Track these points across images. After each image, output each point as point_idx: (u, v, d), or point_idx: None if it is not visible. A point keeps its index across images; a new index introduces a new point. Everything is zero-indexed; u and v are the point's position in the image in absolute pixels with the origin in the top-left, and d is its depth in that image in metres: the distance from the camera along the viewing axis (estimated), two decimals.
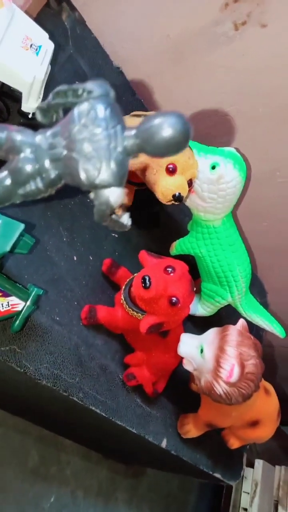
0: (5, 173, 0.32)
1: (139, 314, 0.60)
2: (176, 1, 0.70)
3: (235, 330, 0.61)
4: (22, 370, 0.53)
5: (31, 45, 0.51)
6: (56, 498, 1.18)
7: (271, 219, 1.02)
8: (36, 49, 0.51)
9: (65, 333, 0.60)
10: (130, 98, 0.81)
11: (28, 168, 0.31)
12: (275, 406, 0.77)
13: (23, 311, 0.51)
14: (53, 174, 0.32)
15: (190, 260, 0.71)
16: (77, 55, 0.71)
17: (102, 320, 0.64)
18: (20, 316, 0.51)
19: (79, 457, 1.27)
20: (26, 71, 0.49)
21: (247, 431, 0.78)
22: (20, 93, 0.51)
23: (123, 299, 0.62)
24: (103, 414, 0.63)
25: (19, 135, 0.32)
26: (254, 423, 0.75)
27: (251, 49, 0.71)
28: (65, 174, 0.32)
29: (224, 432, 0.85)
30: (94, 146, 0.30)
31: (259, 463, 1.52)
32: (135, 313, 0.60)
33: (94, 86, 0.32)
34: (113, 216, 0.34)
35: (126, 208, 0.72)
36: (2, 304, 0.49)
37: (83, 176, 0.30)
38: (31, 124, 0.59)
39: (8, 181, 0.32)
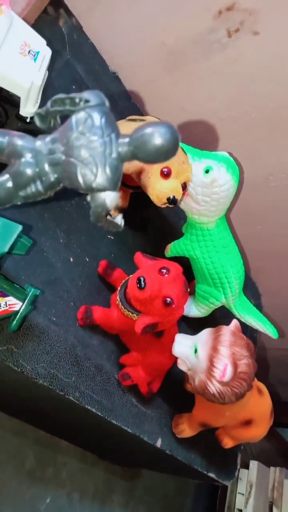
0: (6, 176, 0.34)
1: (134, 315, 0.61)
2: (171, 9, 0.71)
3: (228, 331, 0.62)
4: (19, 370, 0.54)
5: (29, 51, 0.52)
6: (52, 500, 1.18)
7: (265, 222, 1.03)
8: (34, 55, 0.53)
9: (61, 333, 0.61)
10: (126, 103, 0.83)
11: (29, 171, 0.33)
12: (268, 405, 0.78)
13: (21, 311, 0.52)
14: (52, 177, 0.34)
15: (184, 262, 0.72)
16: (74, 61, 0.72)
17: (98, 321, 0.65)
18: (18, 316, 0.52)
19: (76, 458, 1.28)
20: (24, 76, 0.50)
21: (241, 431, 0.79)
22: (18, 98, 0.52)
23: (118, 300, 0.63)
24: (99, 414, 0.64)
25: (20, 141, 0.34)
26: (248, 423, 0.77)
27: (244, 56, 0.73)
28: (64, 178, 0.34)
29: (218, 432, 0.86)
30: (91, 152, 0.32)
31: (254, 464, 1.53)
32: (130, 314, 0.61)
33: (90, 96, 0.34)
34: (108, 217, 0.35)
35: (121, 210, 0.73)
36: (0, 304, 0.50)
37: (80, 180, 0.32)
38: (29, 129, 0.60)
39: (9, 184, 0.33)
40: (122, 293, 0.63)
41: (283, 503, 1.51)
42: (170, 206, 0.60)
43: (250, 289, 1.20)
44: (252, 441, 0.86)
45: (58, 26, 0.71)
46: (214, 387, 0.60)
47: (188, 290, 0.60)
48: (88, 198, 0.34)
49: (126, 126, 0.66)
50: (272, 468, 1.62)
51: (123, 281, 0.65)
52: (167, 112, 0.86)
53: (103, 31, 0.77)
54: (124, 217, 0.75)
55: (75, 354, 0.63)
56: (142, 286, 0.56)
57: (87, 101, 0.34)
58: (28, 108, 0.54)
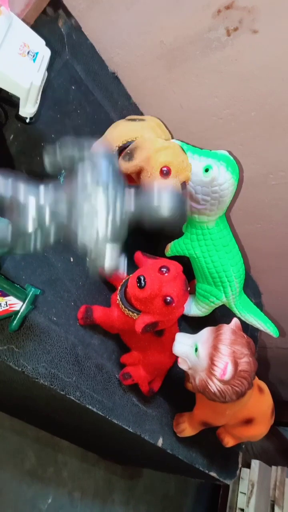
0: (6, 222, 0.34)
1: (135, 314, 0.61)
2: (169, 8, 0.71)
3: (228, 329, 0.62)
4: (20, 369, 0.54)
5: (28, 52, 0.52)
6: (54, 499, 1.18)
7: (265, 220, 1.03)
8: (33, 56, 0.53)
9: (62, 333, 0.61)
10: (126, 102, 0.83)
11: (30, 226, 0.33)
12: (269, 404, 0.78)
13: (21, 310, 0.52)
14: (52, 232, 0.34)
15: (184, 261, 0.72)
16: (73, 61, 0.72)
17: (98, 320, 0.65)
18: (18, 316, 0.52)
19: (76, 458, 1.28)
20: (24, 77, 0.50)
21: (242, 429, 0.79)
22: (18, 99, 0.52)
23: (119, 299, 0.63)
24: (100, 413, 0.64)
25: (24, 193, 0.33)
26: (248, 421, 0.77)
27: (243, 54, 0.73)
28: (66, 231, 0.34)
29: (219, 431, 0.86)
30: (94, 210, 0.32)
31: (255, 463, 1.53)
32: (130, 313, 0.61)
33: (99, 157, 0.34)
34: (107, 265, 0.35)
35: None
36: (0, 304, 0.50)
37: (81, 238, 0.32)
38: (28, 134, 0.60)
39: (8, 230, 0.33)
40: (122, 292, 0.63)
41: (285, 502, 1.52)
42: None
43: (251, 288, 1.20)
44: (253, 440, 0.86)
45: (57, 27, 0.71)
46: (214, 386, 0.60)
47: (188, 289, 0.61)
48: (89, 250, 0.34)
49: (126, 126, 0.67)
50: (273, 467, 1.62)
51: (124, 281, 0.65)
52: (167, 110, 0.86)
53: (102, 31, 0.77)
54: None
55: (76, 354, 0.63)
56: (142, 285, 0.56)
57: (93, 154, 0.33)
58: (28, 109, 0.54)
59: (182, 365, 0.65)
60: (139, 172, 0.60)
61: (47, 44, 0.55)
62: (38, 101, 0.55)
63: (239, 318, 0.69)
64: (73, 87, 0.71)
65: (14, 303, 0.52)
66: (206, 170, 0.65)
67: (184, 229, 0.78)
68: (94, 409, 0.63)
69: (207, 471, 0.87)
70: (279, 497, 1.53)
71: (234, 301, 0.79)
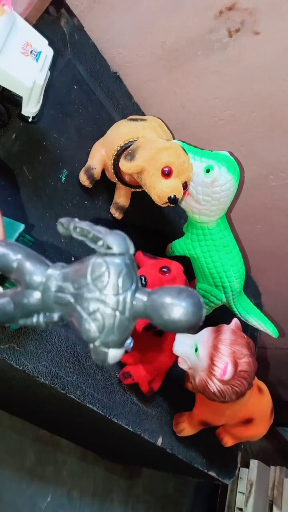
0: (7, 299, 0.32)
1: None
2: (171, 8, 0.72)
3: (228, 329, 0.62)
4: (21, 368, 0.54)
5: (31, 51, 0.52)
6: (53, 498, 1.19)
7: (265, 221, 1.03)
8: (36, 55, 0.53)
9: (62, 332, 0.62)
10: (127, 102, 0.83)
11: (33, 304, 0.31)
12: (268, 404, 0.79)
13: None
14: (56, 316, 0.32)
15: (185, 261, 0.73)
16: (76, 61, 0.72)
17: None
18: None
19: (76, 457, 1.28)
20: (26, 76, 0.50)
21: (241, 429, 0.80)
22: (21, 98, 0.52)
23: None
24: (100, 412, 0.65)
25: (31, 267, 0.32)
26: (248, 421, 0.77)
27: (245, 55, 0.73)
28: (68, 318, 0.32)
29: (218, 430, 0.87)
30: (101, 308, 0.29)
31: (254, 463, 1.53)
32: None
33: (114, 243, 0.31)
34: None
35: (123, 209, 0.74)
36: None
37: (84, 334, 0.30)
38: (30, 127, 0.60)
39: (10, 307, 0.32)
40: None
41: (283, 502, 1.52)
42: (171, 205, 0.60)
43: (251, 288, 1.20)
44: (252, 440, 0.86)
45: (60, 26, 0.71)
46: (214, 386, 0.60)
47: None
48: (90, 346, 0.31)
49: (127, 126, 0.67)
50: (272, 467, 1.62)
51: None
52: (168, 111, 0.87)
53: (104, 31, 0.78)
54: (125, 217, 0.75)
55: (77, 353, 0.63)
56: (143, 285, 0.56)
57: (109, 247, 0.30)
58: (30, 108, 0.54)
59: (182, 365, 0.65)
60: (141, 172, 0.60)
61: (50, 44, 0.55)
62: (41, 101, 0.55)
63: (239, 319, 0.69)
64: (75, 87, 0.71)
65: None
66: (207, 171, 0.65)
67: (185, 229, 0.78)
68: (94, 408, 0.64)
69: (206, 471, 0.88)
70: (278, 497, 1.54)
71: (234, 301, 0.80)
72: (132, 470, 1.49)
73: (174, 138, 0.73)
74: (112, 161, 0.65)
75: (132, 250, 0.32)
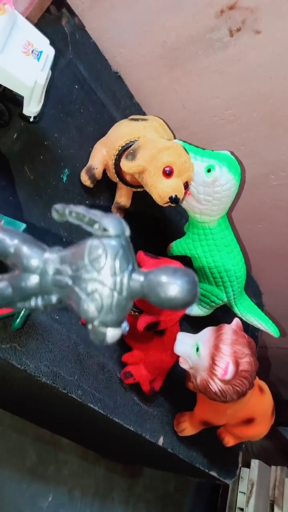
0: (5, 283, 0.32)
1: (136, 313, 0.61)
2: (172, 7, 0.71)
3: (230, 329, 0.62)
4: (22, 368, 0.55)
5: (32, 51, 0.52)
6: (54, 497, 1.19)
7: (266, 221, 1.03)
8: (37, 55, 0.53)
9: (64, 331, 0.62)
10: (128, 102, 0.83)
11: (31, 287, 0.31)
12: (270, 404, 0.79)
13: (24, 309, 0.53)
14: (54, 298, 0.32)
15: (186, 261, 0.73)
16: (77, 60, 0.72)
17: None
18: (21, 314, 0.53)
19: (77, 456, 1.28)
20: (28, 76, 0.50)
21: (242, 429, 0.80)
22: (22, 97, 0.52)
23: None
24: (101, 412, 0.65)
25: (28, 251, 0.32)
26: (249, 421, 0.77)
27: (246, 54, 0.73)
28: (66, 301, 0.32)
29: (219, 430, 0.87)
30: (99, 288, 0.30)
31: (255, 463, 1.53)
32: (132, 312, 0.62)
33: (109, 225, 0.31)
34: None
35: (124, 209, 0.74)
36: None
37: (83, 313, 0.30)
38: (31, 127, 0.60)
39: (8, 292, 0.32)
40: None
41: (284, 502, 1.52)
42: (172, 205, 0.60)
43: (252, 288, 1.20)
44: (253, 440, 0.86)
45: (61, 26, 0.71)
46: (216, 386, 0.60)
47: None
48: (89, 327, 0.31)
49: (128, 126, 0.67)
50: (273, 467, 1.62)
51: None
52: (169, 110, 0.87)
53: (104, 30, 0.78)
54: (126, 217, 0.75)
55: (78, 353, 0.63)
56: None
57: (105, 229, 0.31)
58: (32, 108, 0.54)
59: (184, 364, 0.65)
60: (142, 172, 0.60)
61: (51, 43, 0.55)
62: (42, 100, 0.55)
63: (240, 318, 0.69)
64: (76, 86, 0.71)
65: None
66: (209, 171, 0.65)
67: (186, 229, 0.78)
68: (96, 408, 0.64)
69: (207, 470, 0.88)
70: (279, 497, 1.54)
71: (235, 301, 0.80)
72: (133, 470, 1.49)
73: (175, 138, 0.73)
74: (113, 161, 0.65)
75: (127, 232, 0.32)
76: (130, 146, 0.63)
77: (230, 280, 0.76)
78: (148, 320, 0.58)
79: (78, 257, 0.31)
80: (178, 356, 0.66)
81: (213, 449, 0.89)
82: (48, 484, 1.18)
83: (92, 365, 0.65)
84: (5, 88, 0.51)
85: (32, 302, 0.32)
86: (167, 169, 0.58)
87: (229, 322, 0.65)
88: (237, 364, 0.59)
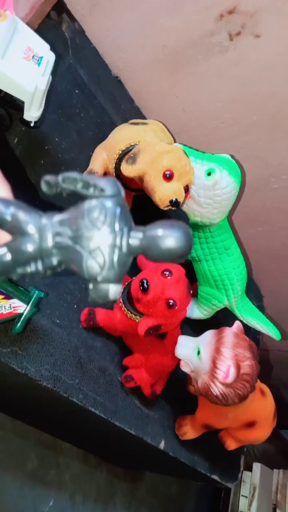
0: (5, 249, 0.32)
1: (137, 317, 0.61)
2: (172, 12, 0.72)
3: (231, 332, 0.62)
4: (23, 372, 0.55)
5: (33, 56, 0.53)
6: (55, 502, 1.18)
7: (267, 224, 1.03)
8: (38, 60, 0.53)
9: (65, 335, 0.62)
10: (129, 106, 0.83)
11: (31, 251, 0.32)
12: (271, 407, 0.78)
13: (25, 313, 0.53)
14: (55, 260, 0.32)
15: (187, 264, 0.73)
16: (77, 65, 0.73)
17: (101, 323, 0.65)
18: (22, 318, 0.53)
19: (78, 461, 1.28)
20: (28, 81, 0.51)
21: (244, 432, 0.79)
22: (22, 102, 0.53)
23: (121, 302, 0.63)
24: (102, 416, 0.64)
25: (25, 216, 0.32)
26: (251, 424, 0.77)
27: (246, 58, 0.73)
28: (67, 263, 0.32)
29: (221, 434, 0.86)
30: (100, 245, 0.31)
31: (257, 466, 1.53)
32: (133, 316, 0.62)
33: (106, 185, 0.32)
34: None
35: None
36: (4, 307, 0.51)
37: (85, 271, 0.31)
38: (33, 132, 0.60)
39: (7, 258, 0.32)
40: (125, 295, 0.63)
41: (287, 506, 1.51)
42: (173, 208, 0.60)
43: (253, 291, 1.20)
44: (255, 443, 0.86)
45: (61, 31, 0.71)
46: (217, 389, 0.60)
47: (191, 292, 0.61)
48: (90, 286, 0.32)
49: (129, 130, 0.67)
50: (275, 471, 1.61)
51: (126, 283, 0.65)
52: (169, 114, 0.87)
53: (104, 35, 0.78)
54: None
55: (79, 356, 0.63)
56: (145, 288, 0.56)
57: (102, 190, 0.32)
58: (32, 112, 0.55)
59: (185, 368, 0.65)
60: (142, 176, 0.60)
61: (51, 48, 0.55)
62: (43, 105, 0.55)
63: (241, 321, 0.69)
64: (77, 91, 0.72)
65: (18, 306, 0.52)
66: (209, 174, 0.65)
67: None
68: (97, 412, 0.63)
69: (209, 474, 0.87)
70: (281, 501, 1.53)
71: (236, 304, 0.80)
72: (134, 474, 1.48)
73: (175, 142, 0.73)
74: (114, 165, 0.65)
75: (123, 193, 0.33)
76: (131, 150, 0.63)
77: (231, 283, 0.76)
78: (149, 324, 0.58)
79: (77, 218, 0.31)
80: (179, 360, 0.66)
81: (214, 453, 0.89)
82: (49, 488, 1.18)
83: (93, 369, 0.65)
84: (6, 93, 0.52)
85: (33, 267, 0.32)
86: (168, 172, 0.58)
87: (230, 325, 0.65)
88: (238, 367, 0.59)
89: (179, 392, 0.83)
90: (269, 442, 1.78)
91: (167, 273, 0.58)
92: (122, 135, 0.66)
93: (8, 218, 0.32)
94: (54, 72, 0.58)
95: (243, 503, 1.48)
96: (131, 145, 0.63)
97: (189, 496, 1.73)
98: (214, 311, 0.83)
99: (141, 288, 0.56)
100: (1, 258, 0.32)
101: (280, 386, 1.66)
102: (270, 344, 1.45)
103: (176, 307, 0.57)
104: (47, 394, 0.61)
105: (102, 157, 0.67)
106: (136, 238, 0.32)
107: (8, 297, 0.51)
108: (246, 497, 1.49)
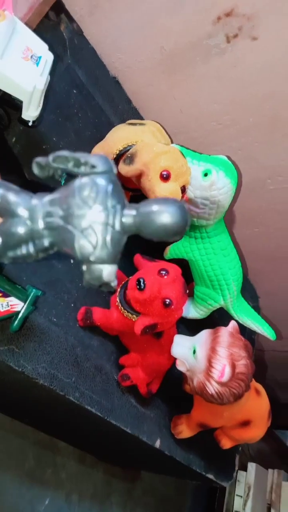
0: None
1: (134, 316, 0.62)
2: (170, 14, 0.72)
3: (226, 332, 0.63)
4: (20, 370, 0.55)
5: (31, 56, 0.53)
6: (51, 501, 1.18)
7: (263, 225, 1.04)
8: (36, 60, 0.53)
9: (62, 334, 0.62)
10: (126, 106, 0.84)
11: (21, 233, 0.30)
12: (266, 406, 0.79)
13: (22, 311, 0.53)
14: (46, 242, 0.31)
15: (183, 264, 0.73)
16: (75, 65, 0.73)
17: (98, 322, 0.66)
18: (19, 316, 0.53)
19: (75, 460, 1.28)
20: (27, 81, 0.51)
21: (239, 431, 0.80)
22: (21, 102, 0.53)
23: (118, 301, 0.63)
24: (98, 414, 0.65)
25: (15, 197, 0.31)
26: (246, 423, 0.77)
27: (243, 60, 0.74)
28: (59, 244, 0.31)
29: (216, 433, 0.87)
30: (92, 223, 0.29)
31: (252, 466, 1.53)
32: (129, 315, 0.62)
33: (97, 162, 0.31)
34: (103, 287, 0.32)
35: None
36: (1, 305, 0.51)
37: (78, 251, 0.30)
38: (31, 132, 0.61)
39: None
40: (121, 294, 0.63)
41: (281, 505, 1.52)
42: None
43: (248, 291, 1.21)
44: (250, 442, 0.87)
45: (60, 31, 0.72)
46: (212, 388, 0.60)
47: (187, 291, 0.61)
48: (84, 268, 0.31)
49: (126, 130, 0.67)
50: (270, 470, 1.62)
51: (123, 283, 0.65)
52: (167, 115, 0.87)
53: (103, 36, 0.78)
54: None
55: (75, 355, 0.63)
56: (142, 287, 0.56)
57: (93, 166, 0.31)
58: (30, 112, 0.55)
59: (180, 367, 0.65)
60: (139, 176, 0.61)
61: (49, 48, 0.56)
62: (41, 105, 0.56)
63: (236, 321, 0.69)
64: (75, 91, 0.72)
65: (15, 304, 0.52)
66: (205, 175, 0.65)
67: None
68: (93, 410, 0.64)
69: (204, 473, 0.88)
70: (276, 500, 1.54)
71: (232, 304, 0.80)
72: (131, 473, 1.48)
73: (172, 142, 0.73)
74: None
75: (115, 169, 0.32)
76: (128, 150, 0.63)
77: (227, 283, 0.76)
78: (146, 323, 0.58)
79: (68, 196, 0.30)
80: (175, 359, 0.66)
81: (210, 452, 0.89)
82: (46, 487, 1.18)
83: (89, 368, 0.65)
84: (4, 93, 0.52)
85: (24, 249, 0.31)
86: (165, 173, 0.59)
87: (226, 324, 0.65)
88: (233, 366, 0.60)
89: (175, 391, 0.83)
90: (264, 442, 1.79)
91: (164, 272, 0.58)
92: (119, 135, 0.66)
93: None
94: (52, 73, 0.59)
95: (238, 502, 1.49)
96: (128, 145, 0.64)
97: (185, 495, 1.73)
98: (210, 311, 0.83)
99: (138, 287, 0.57)
100: None
101: (275, 386, 1.67)
102: (265, 344, 1.46)
103: (173, 306, 0.57)
104: (44, 392, 0.61)
105: None
106: (129, 215, 0.30)
107: (5, 295, 0.51)
108: (241, 496, 1.49)
